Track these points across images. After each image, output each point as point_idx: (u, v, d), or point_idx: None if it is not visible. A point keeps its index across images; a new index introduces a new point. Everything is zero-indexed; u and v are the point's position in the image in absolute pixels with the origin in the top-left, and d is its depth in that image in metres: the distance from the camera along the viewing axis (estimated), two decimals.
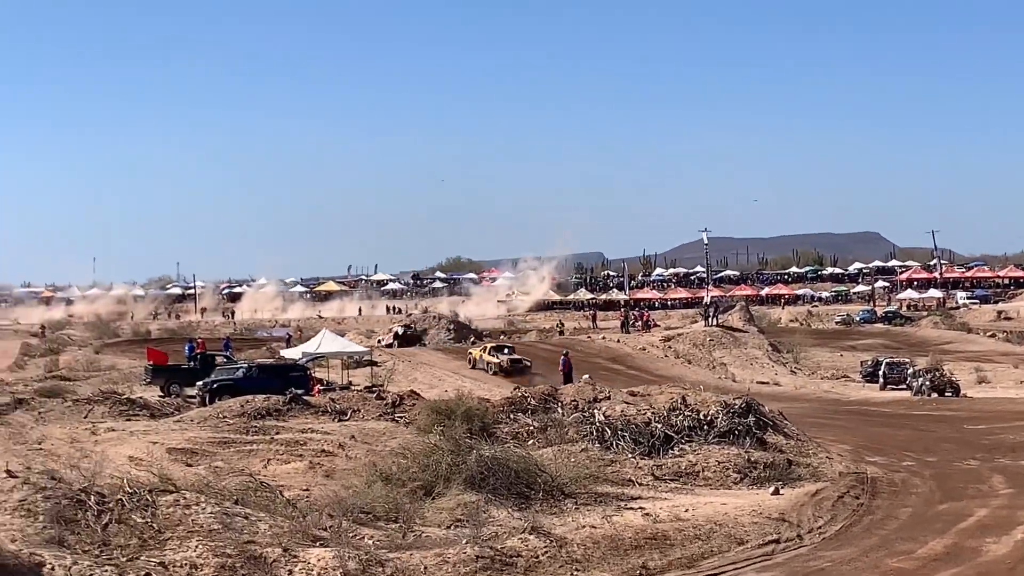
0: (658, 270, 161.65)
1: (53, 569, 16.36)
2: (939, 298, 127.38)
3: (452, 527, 19.99)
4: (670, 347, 73.42)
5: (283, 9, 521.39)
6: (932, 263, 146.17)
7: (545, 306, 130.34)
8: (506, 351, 65.21)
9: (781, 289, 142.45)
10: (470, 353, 67.05)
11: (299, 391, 39.30)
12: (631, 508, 22.14)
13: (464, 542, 18.08)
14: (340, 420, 34.97)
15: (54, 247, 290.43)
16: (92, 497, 19.54)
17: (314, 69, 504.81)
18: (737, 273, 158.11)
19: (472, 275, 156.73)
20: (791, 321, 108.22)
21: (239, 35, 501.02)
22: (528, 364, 62.43)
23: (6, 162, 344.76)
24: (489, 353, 64.55)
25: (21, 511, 19.27)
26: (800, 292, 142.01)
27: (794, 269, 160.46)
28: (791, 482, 25.88)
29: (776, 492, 24.21)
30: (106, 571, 16.44)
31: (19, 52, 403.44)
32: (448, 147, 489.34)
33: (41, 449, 30.23)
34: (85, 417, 37.89)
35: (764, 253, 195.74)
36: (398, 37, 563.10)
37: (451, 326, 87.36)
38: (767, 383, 59.23)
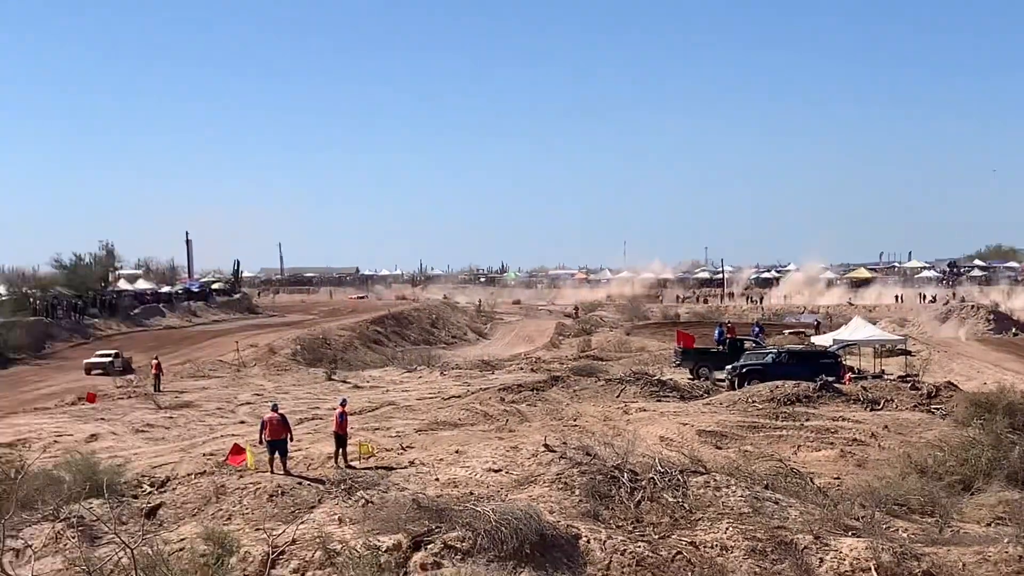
0: None
1: (588, 542, 16.86)
2: None
3: (992, 524, 19.20)
4: None
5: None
6: None
7: None
8: None
9: None
10: None
11: (830, 378, 38.90)
12: None
13: (1006, 541, 17.24)
14: (872, 409, 34.38)
15: (588, 231, 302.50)
16: (625, 474, 20.05)
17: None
18: None
19: (1014, 264, 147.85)
20: None
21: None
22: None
23: (552, 154, 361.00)
24: None
25: (559, 484, 20.06)
26: None
27: None
28: None
29: None
30: (639, 547, 16.76)
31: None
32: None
33: (576, 425, 31.39)
34: (617, 396, 39.09)
35: None
36: None
37: (990, 316, 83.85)
38: None
